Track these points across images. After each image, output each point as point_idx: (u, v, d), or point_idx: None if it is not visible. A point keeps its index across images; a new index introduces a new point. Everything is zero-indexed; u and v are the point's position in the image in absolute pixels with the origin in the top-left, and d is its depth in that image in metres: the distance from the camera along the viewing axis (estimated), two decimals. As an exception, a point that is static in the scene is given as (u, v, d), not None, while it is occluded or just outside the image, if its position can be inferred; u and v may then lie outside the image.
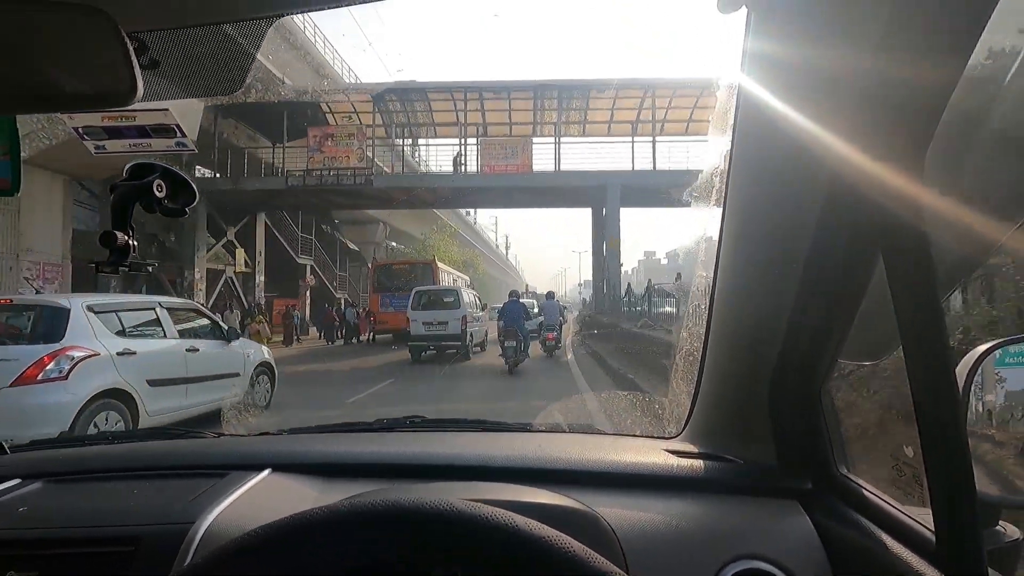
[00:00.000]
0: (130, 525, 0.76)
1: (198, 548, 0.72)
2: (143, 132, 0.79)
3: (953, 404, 0.56)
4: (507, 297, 12.23)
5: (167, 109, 0.78)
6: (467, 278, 25.05)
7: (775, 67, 0.66)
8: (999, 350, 0.67)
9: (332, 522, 0.47)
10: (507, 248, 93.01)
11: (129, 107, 0.79)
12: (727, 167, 0.75)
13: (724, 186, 0.78)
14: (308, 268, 25.25)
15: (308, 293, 25.09)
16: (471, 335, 13.32)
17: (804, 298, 0.72)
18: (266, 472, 0.92)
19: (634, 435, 1.24)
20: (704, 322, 0.97)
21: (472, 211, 61.00)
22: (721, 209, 0.81)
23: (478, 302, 15.75)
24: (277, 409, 6.86)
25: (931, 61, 0.51)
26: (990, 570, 0.56)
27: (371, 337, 18.81)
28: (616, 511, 0.79)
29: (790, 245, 0.69)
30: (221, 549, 0.48)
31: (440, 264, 19.71)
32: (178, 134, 0.80)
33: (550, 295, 14.25)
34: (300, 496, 0.86)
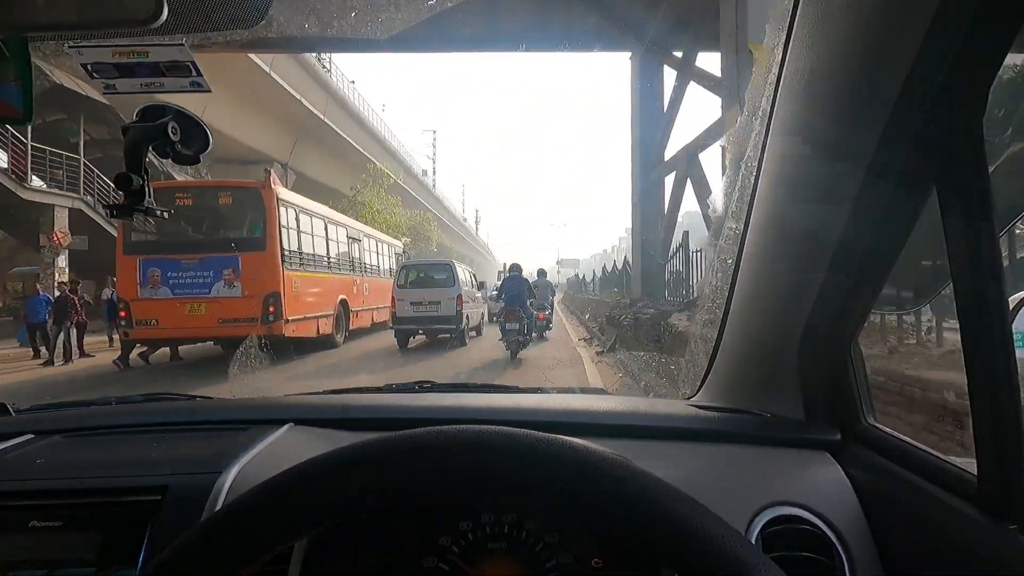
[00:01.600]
0: (157, 475, 0.75)
1: (227, 497, 0.71)
2: (156, 70, 0.75)
3: (1005, 344, 0.55)
4: (505, 273, 11.09)
5: (183, 44, 0.73)
6: (399, 244, 19.21)
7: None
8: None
9: (388, 448, 0.45)
10: (477, 223, 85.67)
11: (143, 42, 0.75)
12: (772, 97, 0.73)
13: (767, 120, 0.75)
14: (58, 214, 13.84)
15: (59, 261, 14.10)
16: (467, 317, 11.58)
17: (847, 240, 0.70)
18: (288, 426, 0.91)
19: (649, 397, 1.24)
20: (730, 276, 0.95)
21: (431, 173, 55.68)
22: (760, 149, 0.78)
23: (474, 280, 13.89)
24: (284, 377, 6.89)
25: None
26: None
27: (123, 351, 9.44)
28: (645, 461, 0.79)
29: (836, 185, 0.67)
30: (258, 488, 0.47)
31: (285, 195, 10.34)
32: (193, 72, 0.76)
33: (542, 273, 13.03)
34: (328, 446, 0.85)
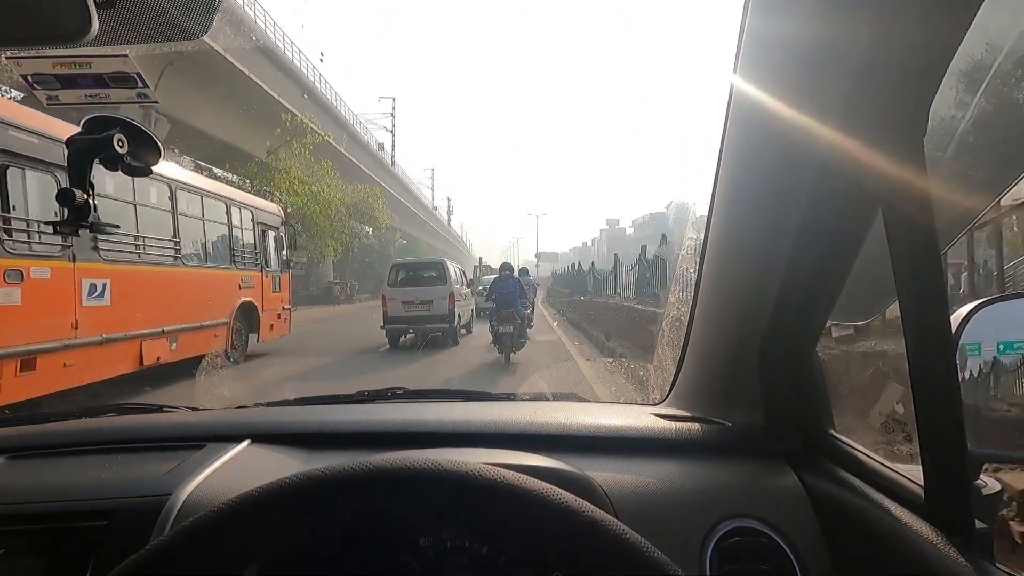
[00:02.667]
0: (102, 499, 0.73)
1: (175, 521, 0.70)
2: (100, 81, 0.73)
3: (948, 359, 0.56)
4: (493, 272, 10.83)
5: (126, 55, 0.71)
6: (273, 211, 11.08)
7: (776, 27, 0.64)
8: (988, 307, 0.67)
9: (318, 485, 0.44)
10: (449, 213, 77.97)
11: (84, 53, 0.73)
12: (723, 124, 0.73)
13: (720, 144, 0.76)
14: None
15: None
16: (458, 315, 11.29)
17: (798, 258, 0.71)
18: (245, 443, 0.89)
19: (619, 402, 1.24)
20: (692, 286, 0.96)
21: (390, 147, 46.80)
22: (715, 169, 0.79)
23: (464, 277, 13.38)
24: (252, 383, 6.70)
25: (935, 22, 0.49)
26: (976, 521, 0.57)
27: None
28: (607, 475, 0.79)
29: (786, 205, 0.68)
30: (203, 516, 0.46)
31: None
32: (139, 83, 0.73)
33: (524, 271, 12.43)
34: (282, 466, 0.83)
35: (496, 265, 14.40)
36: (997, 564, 0.54)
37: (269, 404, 1.26)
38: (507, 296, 8.72)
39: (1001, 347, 0.64)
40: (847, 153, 0.58)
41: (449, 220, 78.30)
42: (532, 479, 0.45)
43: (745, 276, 0.81)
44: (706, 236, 0.87)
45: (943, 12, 0.49)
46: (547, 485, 0.45)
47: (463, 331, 12.06)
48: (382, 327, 10.87)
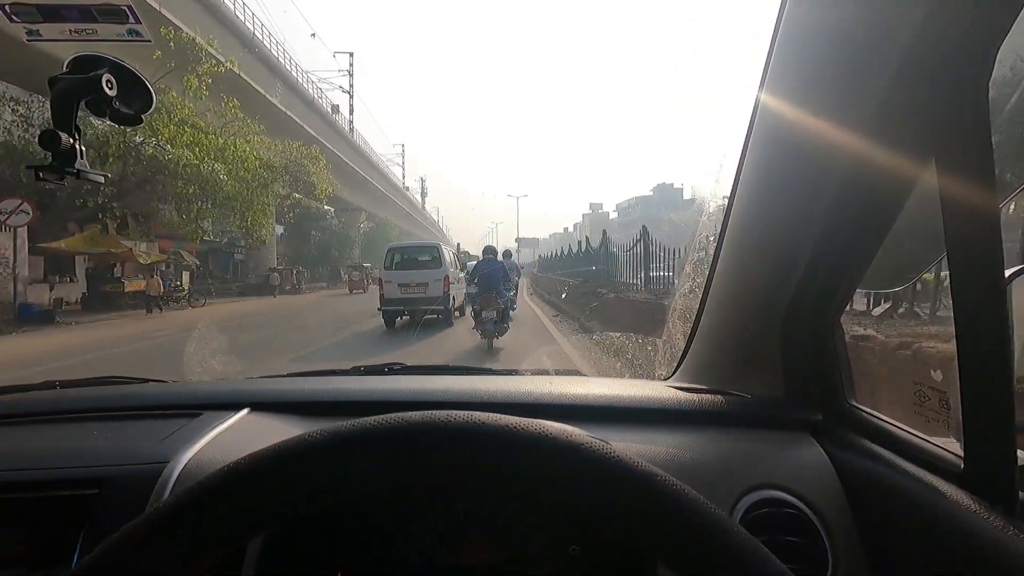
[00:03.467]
0: (93, 466, 0.68)
1: (174, 489, 0.65)
2: (87, 14, 0.67)
3: (1001, 321, 0.53)
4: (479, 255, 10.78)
5: (115, -17, 0.65)
6: None
7: None
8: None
9: (339, 442, 0.40)
10: (424, 195, 72.70)
11: (68, -20, 0.66)
12: (763, 69, 0.69)
13: (755, 100, 0.72)
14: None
15: None
16: (452, 298, 11.61)
17: (834, 219, 0.67)
18: (245, 411, 0.85)
19: (626, 377, 1.22)
20: (712, 254, 0.92)
21: (347, 111, 41.26)
22: (748, 125, 0.75)
23: (456, 260, 13.72)
24: (244, 359, 6.59)
25: None
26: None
27: None
28: (626, 445, 0.76)
29: (829, 155, 0.64)
30: (209, 477, 0.41)
31: None
32: (130, 18, 0.67)
33: (507, 254, 12.61)
34: (285, 433, 0.79)
35: (475, 252, 15.31)
36: None
37: (262, 377, 1.22)
38: (490, 280, 8.57)
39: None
40: (902, 100, 0.54)
41: (423, 202, 73.26)
42: (580, 432, 0.42)
43: (773, 244, 0.78)
44: (729, 204, 0.84)
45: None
46: (596, 440, 0.41)
47: (457, 313, 12.40)
48: (379, 309, 11.33)
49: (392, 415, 0.42)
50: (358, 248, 42.52)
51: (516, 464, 0.40)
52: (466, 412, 0.42)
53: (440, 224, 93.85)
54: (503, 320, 8.52)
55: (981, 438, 0.56)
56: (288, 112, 25.78)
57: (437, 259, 11.73)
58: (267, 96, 22.78)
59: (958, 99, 0.51)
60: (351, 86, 45.72)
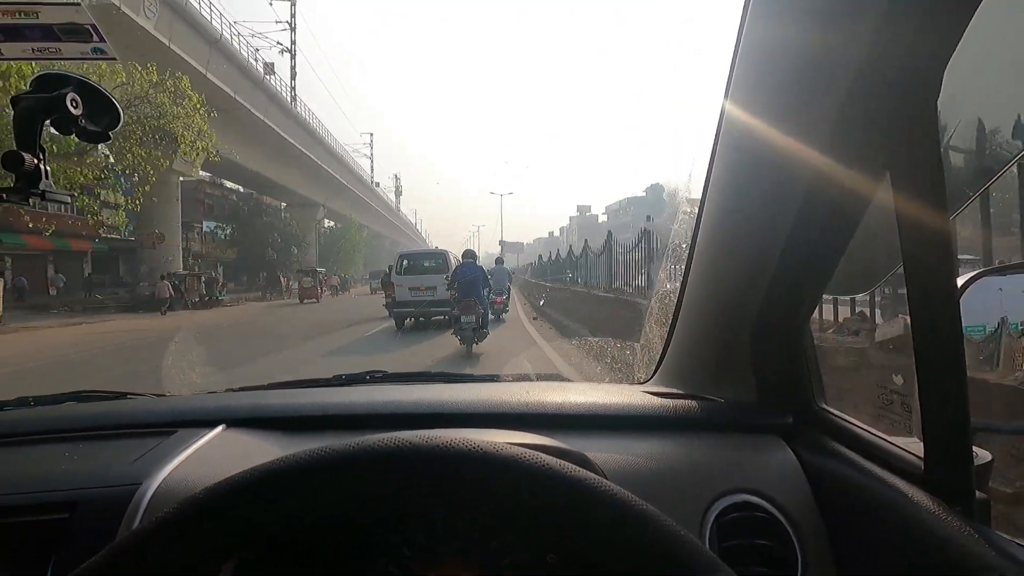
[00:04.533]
0: (64, 490, 0.67)
1: (147, 512, 0.65)
2: (49, 33, 0.66)
3: (954, 328, 0.55)
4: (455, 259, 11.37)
5: (79, 3, 0.65)
6: None
7: None
8: (983, 279, 0.67)
9: (315, 466, 0.41)
10: (398, 193, 67.50)
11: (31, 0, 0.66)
12: (725, 89, 0.71)
13: (720, 114, 0.74)
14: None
15: None
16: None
17: (799, 228, 0.69)
18: (219, 428, 0.84)
19: (605, 382, 1.23)
20: (684, 261, 0.94)
21: (281, 73, 31.33)
22: (713, 138, 0.76)
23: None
24: (223, 369, 6.45)
25: None
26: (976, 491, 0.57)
27: None
28: (602, 453, 0.77)
29: (790, 170, 0.66)
30: (178, 505, 0.41)
31: None
32: (95, 37, 0.67)
33: (499, 260, 14.41)
34: (260, 451, 0.79)
35: (457, 254, 14.68)
36: (998, 532, 0.54)
37: (241, 389, 1.21)
38: (469, 285, 8.40)
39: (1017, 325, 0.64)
40: (855, 114, 0.56)
41: (398, 201, 67.55)
42: (534, 452, 0.42)
43: (742, 250, 0.80)
44: (700, 209, 0.86)
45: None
46: (552, 458, 0.42)
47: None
48: (388, 307, 12.70)
49: (332, 446, 0.42)
50: (314, 249, 38.27)
51: (491, 488, 0.40)
52: (399, 434, 0.43)
53: (419, 227, 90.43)
54: (482, 325, 8.37)
55: (939, 441, 0.58)
56: (171, 45, 17.69)
57: (444, 264, 12.70)
58: (124, 8, 15.22)
59: (909, 117, 0.53)
60: (293, 43, 34.49)
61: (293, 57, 35.73)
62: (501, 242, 44.87)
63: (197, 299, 21.83)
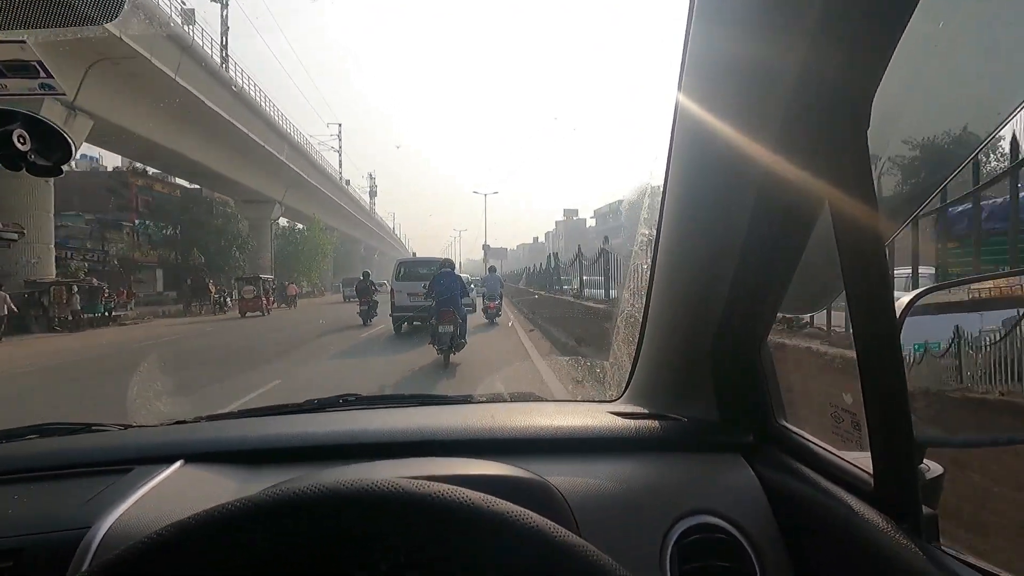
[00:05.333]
0: (9, 536, 0.65)
1: (95, 557, 0.63)
2: (-5, 70, 0.65)
3: (893, 347, 0.57)
4: (398, 267, 11.98)
5: (24, 41, 0.64)
6: None
7: (719, 33, 0.64)
8: (929, 295, 0.69)
9: (252, 514, 0.40)
10: (373, 194, 62.71)
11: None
12: (671, 128, 0.73)
13: (668, 147, 0.76)
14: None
15: None
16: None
17: (748, 255, 0.71)
18: (178, 464, 0.82)
19: (576, 400, 1.23)
20: (646, 282, 0.95)
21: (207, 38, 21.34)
22: (665, 170, 0.78)
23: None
24: (191, 395, 6.18)
25: (873, 22, 0.49)
26: (923, 506, 0.59)
27: None
28: (565, 478, 0.77)
29: (735, 204, 0.68)
30: (119, 553, 0.40)
31: None
32: (42, 73, 0.66)
33: (492, 269, 14.88)
34: (218, 488, 0.77)
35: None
36: (943, 547, 0.56)
37: (210, 418, 1.18)
38: (447, 293, 8.22)
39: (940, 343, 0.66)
40: (792, 151, 0.58)
41: (372, 202, 62.36)
42: (497, 500, 0.42)
43: (696, 274, 0.81)
44: (658, 234, 0.87)
45: (881, 9, 0.49)
46: (514, 507, 0.42)
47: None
48: (391, 315, 12.87)
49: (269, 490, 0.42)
50: (269, 253, 33.40)
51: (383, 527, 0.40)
52: (338, 480, 0.42)
53: (397, 233, 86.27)
54: (460, 335, 8.22)
55: (886, 458, 0.60)
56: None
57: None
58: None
59: (842, 145, 0.55)
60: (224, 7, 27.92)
61: (224, 14, 28.10)
62: (485, 246, 40.02)
63: (69, 316, 15.68)
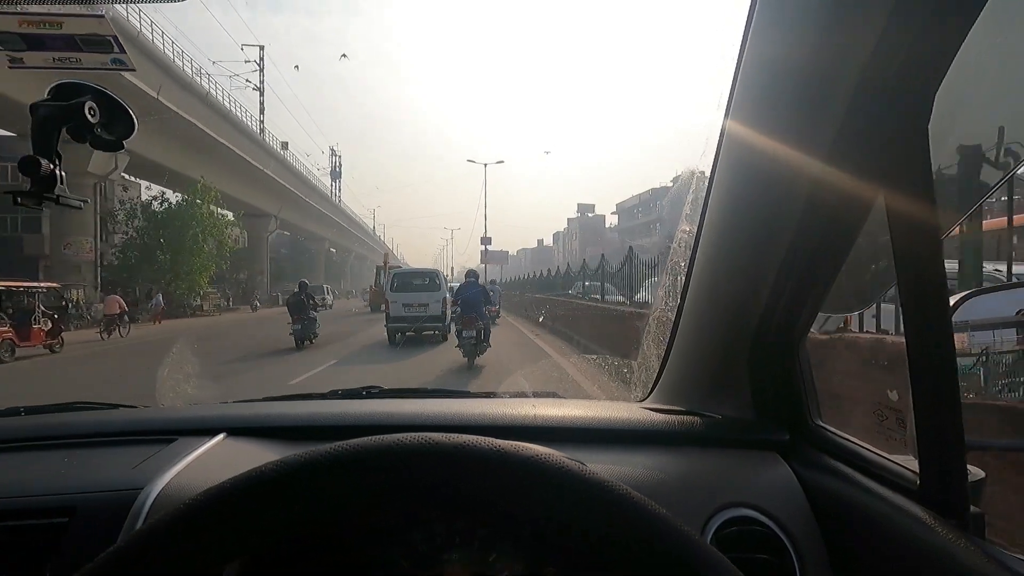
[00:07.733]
0: (63, 494, 0.67)
1: (148, 517, 0.64)
2: (71, 43, 0.68)
3: (947, 345, 0.57)
4: (461, 278, 11.76)
5: (103, 15, 0.66)
6: None
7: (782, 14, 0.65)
8: (974, 298, 0.69)
9: (301, 470, 0.41)
10: (336, 176, 57.70)
11: (55, 11, 0.68)
12: (725, 114, 0.73)
13: (719, 135, 0.76)
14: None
15: None
16: (449, 316, 12.96)
17: (795, 248, 0.71)
18: (220, 436, 0.84)
19: (602, 399, 1.24)
20: (683, 279, 0.96)
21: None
22: (713, 159, 0.79)
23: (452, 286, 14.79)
24: (219, 384, 6.35)
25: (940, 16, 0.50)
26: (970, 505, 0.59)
27: None
28: (601, 467, 0.78)
29: (786, 190, 0.68)
30: (181, 507, 0.42)
31: None
32: (115, 48, 0.68)
33: (471, 274, 15.74)
34: (264, 459, 0.78)
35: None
36: (994, 542, 0.55)
37: (237, 402, 1.21)
38: (472, 301, 9.34)
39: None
40: (848, 149, 0.58)
41: (335, 187, 56.72)
42: (537, 448, 0.43)
43: (739, 270, 0.82)
44: (699, 229, 0.88)
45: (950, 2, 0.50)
46: (554, 453, 0.43)
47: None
48: (386, 326, 12.88)
49: (350, 441, 0.43)
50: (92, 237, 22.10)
51: (471, 481, 0.41)
52: (417, 434, 0.43)
53: (391, 244, 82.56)
54: (483, 339, 9.19)
55: (934, 456, 0.60)
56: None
57: (434, 282, 13.48)
58: None
59: (901, 140, 0.55)
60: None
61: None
62: (484, 249, 35.21)
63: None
